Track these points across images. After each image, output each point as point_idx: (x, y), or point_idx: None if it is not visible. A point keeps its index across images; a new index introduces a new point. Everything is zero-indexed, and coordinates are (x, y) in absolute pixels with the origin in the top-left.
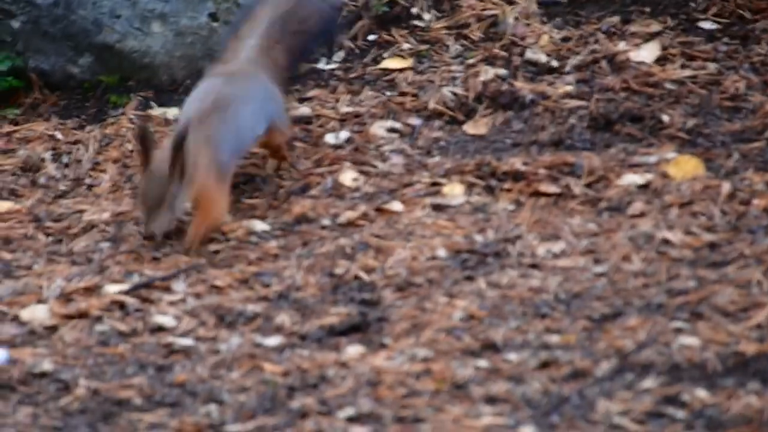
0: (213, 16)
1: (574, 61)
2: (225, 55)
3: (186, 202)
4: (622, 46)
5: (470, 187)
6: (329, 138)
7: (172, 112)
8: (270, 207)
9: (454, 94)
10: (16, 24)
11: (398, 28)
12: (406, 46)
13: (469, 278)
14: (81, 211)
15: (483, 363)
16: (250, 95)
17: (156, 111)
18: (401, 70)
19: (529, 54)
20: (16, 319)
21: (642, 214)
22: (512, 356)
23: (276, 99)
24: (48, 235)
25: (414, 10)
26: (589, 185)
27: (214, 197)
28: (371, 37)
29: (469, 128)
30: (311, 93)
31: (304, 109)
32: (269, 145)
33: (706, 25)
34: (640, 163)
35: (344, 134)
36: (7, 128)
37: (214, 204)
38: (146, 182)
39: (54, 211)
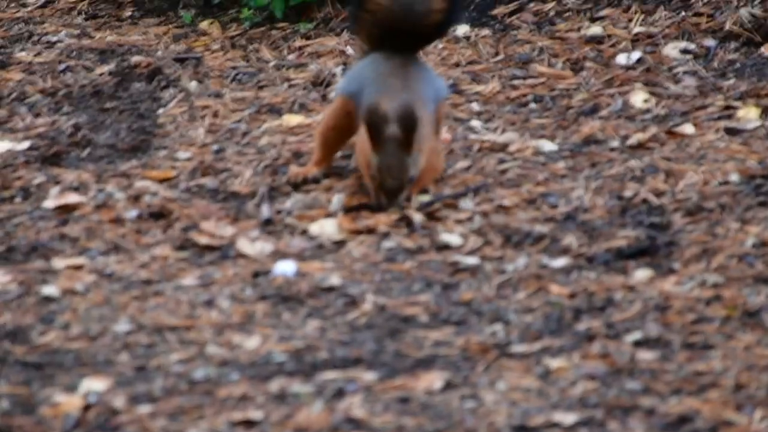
0: None
1: None
2: None
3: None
4: None
5: (766, 111)
6: (620, 58)
7: (462, 29)
8: (559, 127)
9: (752, 15)
10: None
11: None
12: None
13: (763, 204)
14: None
15: None
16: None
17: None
18: None
19: None
20: (305, 233)
21: None
22: None
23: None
24: None
25: None
26: None
27: (437, 151)
28: None
29: (767, 51)
30: (603, 12)
31: (596, 29)
32: None
33: None
34: None
35: (636, 54)
36: (300, 42)
37: (438, 157)
38: (385, 159)
39: None
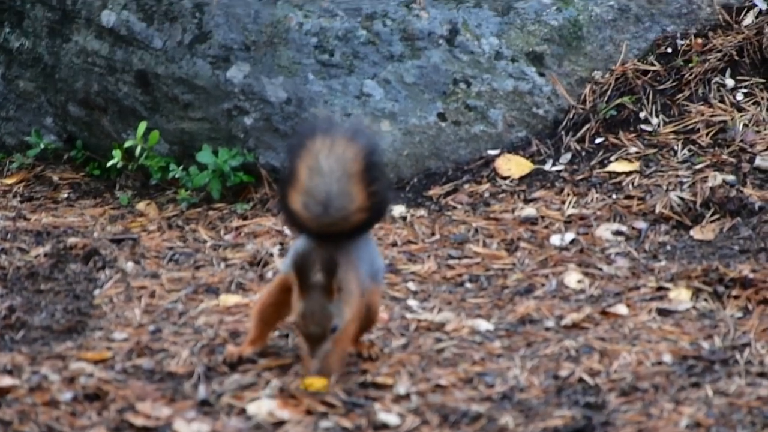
0: (441, 116)
1: None
2: None
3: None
4: None
5: (697, 292)
6: (554, 239)
7: (398, 210)
8: (494, 306)
9: (681, 198)
10: (248, 121)
11: (625, 131)
12: (633, 149)
13: (696, 385)
14: None
15: None
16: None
17: None
18: (628, 174)
19: (758, 161)
20: (242, 413)
21: None
22: None
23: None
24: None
25: (642, 115)
26: None
27: (370, 305)
28: (598, 140)
29: (696, 233)
30: (537, 194)
31: (530, 210)
32: None
33: None
34: None
35: (569, 236)
36: (237, 222)
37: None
38: (309, 305)
39: None
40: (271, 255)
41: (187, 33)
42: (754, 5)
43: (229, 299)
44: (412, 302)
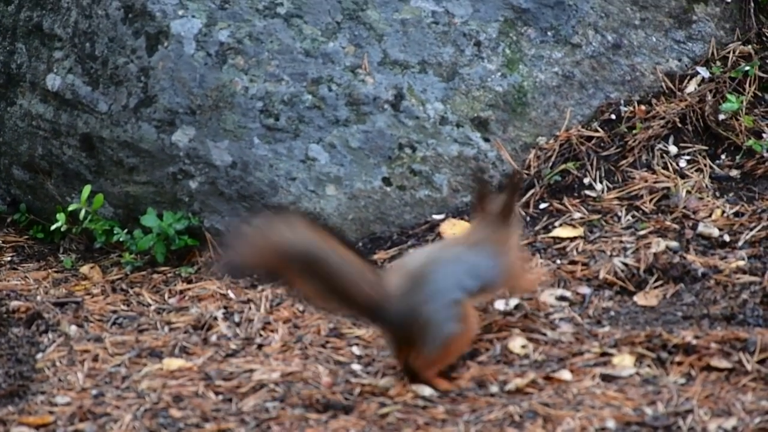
0: (387, 181)
1: (746, 236)
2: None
3: None
4: None
5: (640, 358)
6: (499, 304)
7: None
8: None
9: (625, 264)
10: (194, 184)
11: (570, 197)
12: (577, 215)
13: None
14: (251, 371)
15: None
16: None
17: None
18: (572, 239)
19: (701, 228)
20: None
21: None
22: None
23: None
24: (217, 393)
25: (586, 180)
26: (761, 362)
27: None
28: (543, 206)
29: (640, 299)
30: None
31: None
32: None
33: None
34: None
35: (514, 301)
36: (181, 286)
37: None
38: None
39: (224, 370)
40: (215, 318)
41: (132, 97)
42: (697, 73)
43: (173, 363)
44: (356, 366)
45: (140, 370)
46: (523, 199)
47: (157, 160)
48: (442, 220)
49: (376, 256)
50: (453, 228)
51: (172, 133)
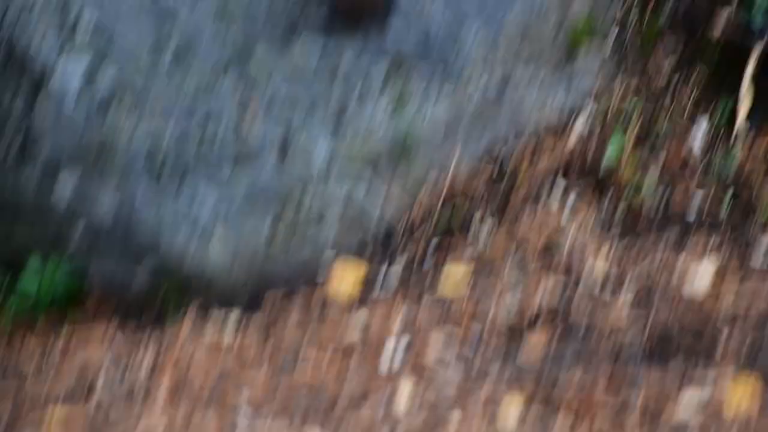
0: (275, 224)
1: (631, 284)
2: None
3: None
4: (678, 268)
5: (529, 401)
6: (389, 343)
7: (233, 317)
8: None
9: (515, 305)
10: (78, 230)
11: (460, 236)
12: (467, 254)
13: None
14: (136, 419)
15: None
16: None
17: (215, 317)
18: (462, 278)
19: (587, 271)
20: None
21: None
22: None
23: None
24: None
25: (476, 218)
26: (647, 402)
27: None
28: (432, 244)
29: (530, 341)
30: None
31: (362, 314)
32: None
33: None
34: (699, 381)
35: (404, 339)
36: (66, 331)
37: None
38: None
39: (109, 418)
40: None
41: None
42: (582, 110)
43: (59, 411)
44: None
45: None
46: (413, 238)
47: (41, 205)
48: (332, 261)
49: (264, 299)
50: (343, 269)
51: (56, 179)
